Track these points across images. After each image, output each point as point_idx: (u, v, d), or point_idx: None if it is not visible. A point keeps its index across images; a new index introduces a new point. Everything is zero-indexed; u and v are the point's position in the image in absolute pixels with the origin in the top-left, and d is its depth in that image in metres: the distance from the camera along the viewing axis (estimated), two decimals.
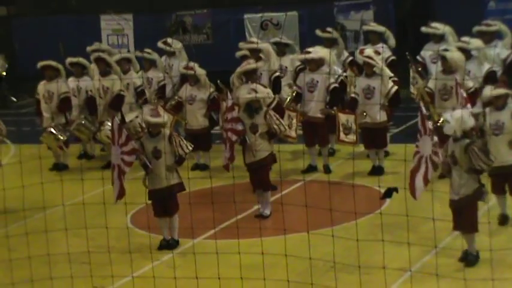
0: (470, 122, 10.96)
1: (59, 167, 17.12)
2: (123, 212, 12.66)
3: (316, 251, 10.53)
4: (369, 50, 15.84)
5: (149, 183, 12.28)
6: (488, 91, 12.26)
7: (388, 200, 12.36)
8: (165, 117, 12.82)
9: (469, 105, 13.06)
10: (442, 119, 14.44)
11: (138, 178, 12.86)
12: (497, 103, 12.07)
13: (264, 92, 13.76)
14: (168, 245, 12.29)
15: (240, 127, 13.18)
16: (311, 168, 15.68)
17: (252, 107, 13.34)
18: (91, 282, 10.71)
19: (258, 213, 13.36)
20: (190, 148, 12.55)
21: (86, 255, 10.95)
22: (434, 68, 16.13)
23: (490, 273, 10.29)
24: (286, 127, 13.86)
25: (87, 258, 10.98)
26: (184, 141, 12.44)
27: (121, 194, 11.76)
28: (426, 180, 10.42)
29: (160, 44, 18.67)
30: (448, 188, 10.99)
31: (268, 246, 10.52)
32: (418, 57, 17.04)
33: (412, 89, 15.89)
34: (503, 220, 12.22)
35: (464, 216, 10.78)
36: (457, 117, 10.78)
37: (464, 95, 13.32)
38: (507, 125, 11.97)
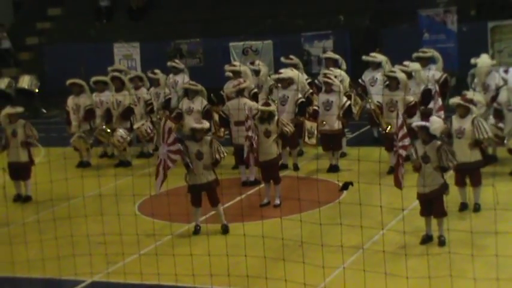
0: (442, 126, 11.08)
1: (83, 165, 16.92)
2: (131, 202, 12.60)
3: (287, 233, 10.53)
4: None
5: (190, 179, 11.83)
6: (454, 99, 12.21)
7: (345, 192, 12.41)
8: (206, 124, 12.33)
9: (442, 112, 12.72)
10: (389, 127, 14.54)
11: (143, 174, 12.78)
12: (459, 111, 12.02)
13: (255, 106, 14.09)
14: (223, 230, 11.85)
15: (252, 133, 12.95)
16: (283, 166, 15.61)
17: (263, 117, 13.26)
18: (106, 259, 10.65)
19: (274, 203, 13.01)
20: (225, 154, 12.02)
21: (102, 237, 10.88)
22: (375, 89, 16.18)
23: (425, 249, 10.36)
24: (293, 128, 13.75)
25: (103, 239, 10.91)
26: (222, 148, 11.97)
27: (162, 183, 11.24)
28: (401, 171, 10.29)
29: (170, 63, 18.84)
30: (392, 181, 10.90)
31: (248, 229, 10.47)
32: (359, 80, 17.07)
33: (354, 109, 15.88)
34: (463, 208, 12.04)
35: (435, 206, 10.68)
36: (440, 121, 10.82)
37: (440, 103, 12.96)
38: (467, 131, 11.88)
